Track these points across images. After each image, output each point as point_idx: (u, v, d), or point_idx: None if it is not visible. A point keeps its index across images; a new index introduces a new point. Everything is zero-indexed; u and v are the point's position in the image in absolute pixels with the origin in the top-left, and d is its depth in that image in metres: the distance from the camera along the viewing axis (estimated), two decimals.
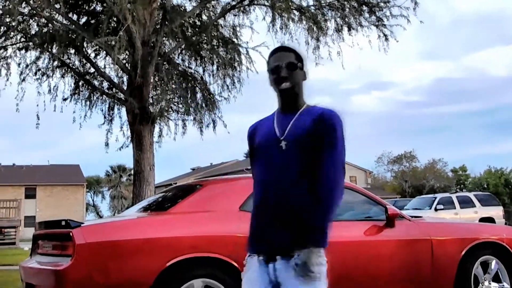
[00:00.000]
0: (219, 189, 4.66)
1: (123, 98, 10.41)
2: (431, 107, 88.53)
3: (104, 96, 10.96)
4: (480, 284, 5.08)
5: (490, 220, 19.11)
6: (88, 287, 3.74)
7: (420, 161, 55.34)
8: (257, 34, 10.93)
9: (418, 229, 4.99)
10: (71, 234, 3.82)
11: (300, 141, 2.14)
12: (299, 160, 2.12)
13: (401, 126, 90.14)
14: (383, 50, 10.79)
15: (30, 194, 53.39)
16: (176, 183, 61.73)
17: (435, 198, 19.71)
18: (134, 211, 4.96)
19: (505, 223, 20.09)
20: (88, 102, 10.84)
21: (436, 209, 18.69)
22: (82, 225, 3.93)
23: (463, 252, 5.01)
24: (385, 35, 10.86)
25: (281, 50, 2.25)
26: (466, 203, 19.33)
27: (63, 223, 3.99)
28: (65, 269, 3.74)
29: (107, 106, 11.18)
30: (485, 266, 5.17)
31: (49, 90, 10.56)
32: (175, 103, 11.13)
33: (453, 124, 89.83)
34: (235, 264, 3.93)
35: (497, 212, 19.58)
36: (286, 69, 2.19)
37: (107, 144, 10.94)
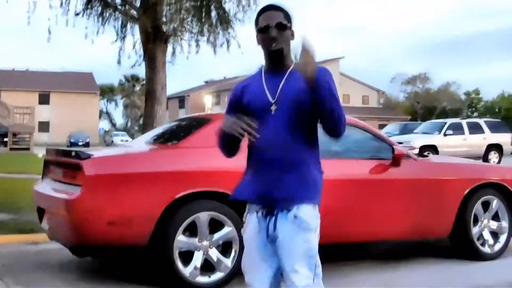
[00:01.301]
0: None
1: (136, 16, 10.19)
2: (450, 25, 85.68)
3: (117, 12, 10.72)
4: (479, 222, 5.26)
5: (498, 146, 19.32)
6: (96, 218, 3.88)
7: (434, 83, 54.68)
8: None
9: (423, 168, 5.10)
10: (80, 165, 3.92)
11: (294, 103, 2.17)
12: (291, 123, 2.18)
13: (418, 45, 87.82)
14: None
15: (44, 100, 53.95)
16: (189, 96, 61.87)
17: (445, 123, 19.69)
18: (144, 142, 5.03)
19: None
20: (100, 18, 10.63)
21: (445, 134, 18.77)
22: (92, 156, 4.00)
23: (465, 192, 5.14)
24: None
25: (270, 9, 2.23)
26: (475, 129, 19.33)
27: (73, 153, 4.08)
28: (74, 199, 3.88)
29: (119, 23, 10.95)
30: (486, 205, 5.32)
31: (61, 4, 10.35)
32: (189, 23, 10.88)
33: (472, 44, 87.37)
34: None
35: (505, 138, 19.63)
36: (275, 29, 2.18)
37: (119, 62, 10.90)
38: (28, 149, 24.71)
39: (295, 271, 2.13)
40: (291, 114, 2.18)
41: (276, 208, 2.19)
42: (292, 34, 2.26)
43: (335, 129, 2.15)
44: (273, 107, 2.19)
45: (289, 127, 2.18)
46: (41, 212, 4.59)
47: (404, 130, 21.71)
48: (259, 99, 2.23)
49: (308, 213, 2.17)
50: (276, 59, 2.23)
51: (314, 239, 2.18)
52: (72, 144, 42.17)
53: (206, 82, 67.30)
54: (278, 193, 2.18)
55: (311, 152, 2.23)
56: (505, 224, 5.36)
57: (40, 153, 20.21)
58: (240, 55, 11.47)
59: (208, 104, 56.83)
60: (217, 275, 4.09)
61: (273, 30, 2.18)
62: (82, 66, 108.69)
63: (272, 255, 2.21)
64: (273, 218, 2.19)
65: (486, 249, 5.24)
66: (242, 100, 2.29)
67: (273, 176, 2.18)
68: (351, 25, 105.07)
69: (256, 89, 2.26)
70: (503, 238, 5.34)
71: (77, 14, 10.54)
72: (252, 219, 2.24)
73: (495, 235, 5.34)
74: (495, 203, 5.33)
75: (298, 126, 2.19)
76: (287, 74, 2.23)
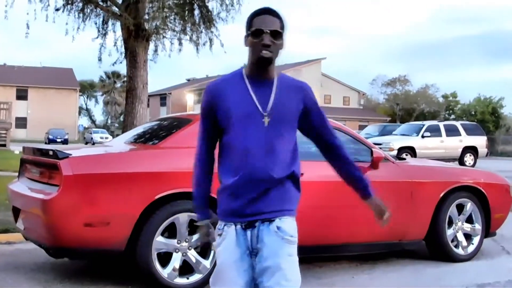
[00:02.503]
0: None
1: (118, 13, 10.11)
2: (430, 30, 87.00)
3: (98, 9, 10.62)
4: (454, 225, 5.37)
5: (473, 148, 19.72)
6: (73, 219, 3.83)
7: (413, 85, 55.46)
8: None
9: (401, 171, 5.17)
10: (58, 165, 3.86)
11: (287, 118, 2.14)
12: (283, 136, 2.12)
13: (398, 48, 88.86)
14: None
15: (22, 95, 53.12)
16: (170, 93, 61.44)
17: (423, 125, 20.02)
18: (123, 142, 4.98)
19: (487, 153, 20.72)
20: (81, 14, 10.52)
21: (423, 136, 19.07)
22: (70, 155, 3.93)
23: (441, 195, 5.24)
24: None
25: (267, 13, 2.11)
26: (452, 131, 19.72)
27: (51, 152, 4.00)
28: (51, 199, 3.82)
29: (101, 19, 10.87)
30: (461, 207, 5.43)
31: None
32: (172, 21, 10.84)
33: (451, 49, 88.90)
34: None
35: (481, 141, 20.05)
36: (269, 36, 2.07)
37: (100, 59, 10.81)
38: (4, 145, 24.24)
39: (280, 285, 2.04)
40: (283, 127, 2.12)
41: (257, 220, 2.09)
42: (283, 43, 2.14)
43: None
44: (266, 119, 2.09)
45: (281, 141, 2.11)
46: (16, 211, 4.53)
47: (384, 132, 22.02)
48: (245, 108, 2.10)
49: (290, 225, 2.12)
50: (263, 66, 2.12)
51: (296, 252, 2.12)
52: (51, 141, 41.58)
53: (188, 80, 67.02)
54: (262, 206, 2.09)
55: (295, 165, 2.18)
56: (478, 226, 5.48)
57: (17, 149, 19.84)
58: (222, 54, 11.43)
59: (190, 102, 56.60)
60: (196, 277, 4.09)
61: (267, 36, 2.07)
62: (62, 62, 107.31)
63: (247, 269, 2.10)
64: (255, 230, 2.09)
65: (460, 251, 5.36)
66: (218, 107, 2.13)
67: (257, 191, 2.08)
68: (333, 26, 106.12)
69: (240, 97, 2.12)
70: (476, 240, 5.46)
71: (57, 10, 10.42)
72: (230, 232, 2.11)
73: (468, 237, 5.46)
74: (469, 205, 5.44)
75: (287, 140, 2.14)
76: (275, 84, 2.14)
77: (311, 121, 2.24)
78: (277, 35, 2.09)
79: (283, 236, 2.08)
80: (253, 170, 2.08)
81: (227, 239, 2.12)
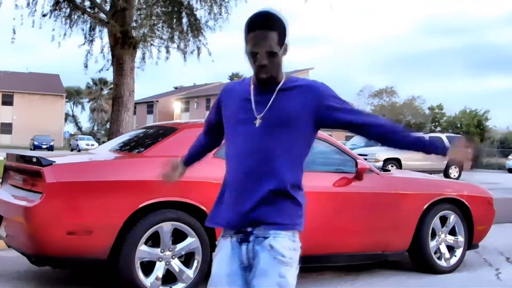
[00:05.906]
0: (194, 134, 4.70)
1: (105, 20, 10.11)
2: (418, 41, 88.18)
3: (85, 15, 10.60)
4: (437, 236, 5.41)
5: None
6: (56, 227, 3.80)
7: (400, 96, 55.90)
8: None
9: (385, 182, 5.20)
10: (41, 172, 3.84)
11: (284, 122, 2.00)
12: (278, 141, 2.00)
13: (385, 59, 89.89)
14: None
15: (7, 101, 52.63)
16: (157, 101, 61.17)
17: None
18: (108, 150, 4.96)
19: (472, 165, 20.85)
20: (68, 21, 10.50)
21: None
22: (53, 163, 3.90)
23: (424, 206, 5.28)
24: None
25: (259, 27, 1.92)
26: None
27: (35, 159, 3.98)
28: (34, 207, 3.79)
29: (88, 26, 10.88)
30: (444, 219, 5.47)
31: (28, 4, 10.17)
32: (159, 28, 10.86)
33: (437, 60, 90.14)
34: (205, 209, 4.09)
35: None
36: (266, 57, 1.94)
37: (86, 65, 10.78)
38: None
39: None
40: (278, 131, 1.99)
41: (251, 234, 1.99)
42: (286, 49, 2.00)
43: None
44: (258, 121, 1.99)
45: (276, 146, 1.99)
46: None
47: (370, 143, 22.10)
48: (242, 115, 2.04)
49: (286, 245, 1.98)
50: (264, 84, 2.03)
51: (290, 274, 1.98)
52: (36, 147, 41.18)
53: (176, 88, 66.95)
54: (254, 217, 1.98)
55: (294, 174, 2.04)
56: (461, 238, 5.52)
57: (1, 155, 19.65)
58: (210, 62, 11.48)
59: (177, 110, 56.47)
60: (179, 286, 4.07)
61: (263, 58, 1.94)
62: (49, 68, 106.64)
63: (241, 285, 1.99)
64: (250, 244, 1.99)
65: (443, 263, 5.39)
66: (224, 108, 2.13)
67: (247, 201, 1.98)
68: (320, 36, 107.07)
69: (241, 103, 2.06)
70: (459, 252, 5.51)
71: (44, 15, 10.41)
72: (225, 244, 2.04)
73: (451, 249, 5.50)
74: (453, 218, 5.49)
75: (284, 145, 2.00)
76: (278, 87, 2.03)
77: (332, 116, 2.05)
78: (273, 54, 1.94)
79: (275, 255, 1.96)
80: (240, 178, 2.00)
81: (222, 251, 2.04)
